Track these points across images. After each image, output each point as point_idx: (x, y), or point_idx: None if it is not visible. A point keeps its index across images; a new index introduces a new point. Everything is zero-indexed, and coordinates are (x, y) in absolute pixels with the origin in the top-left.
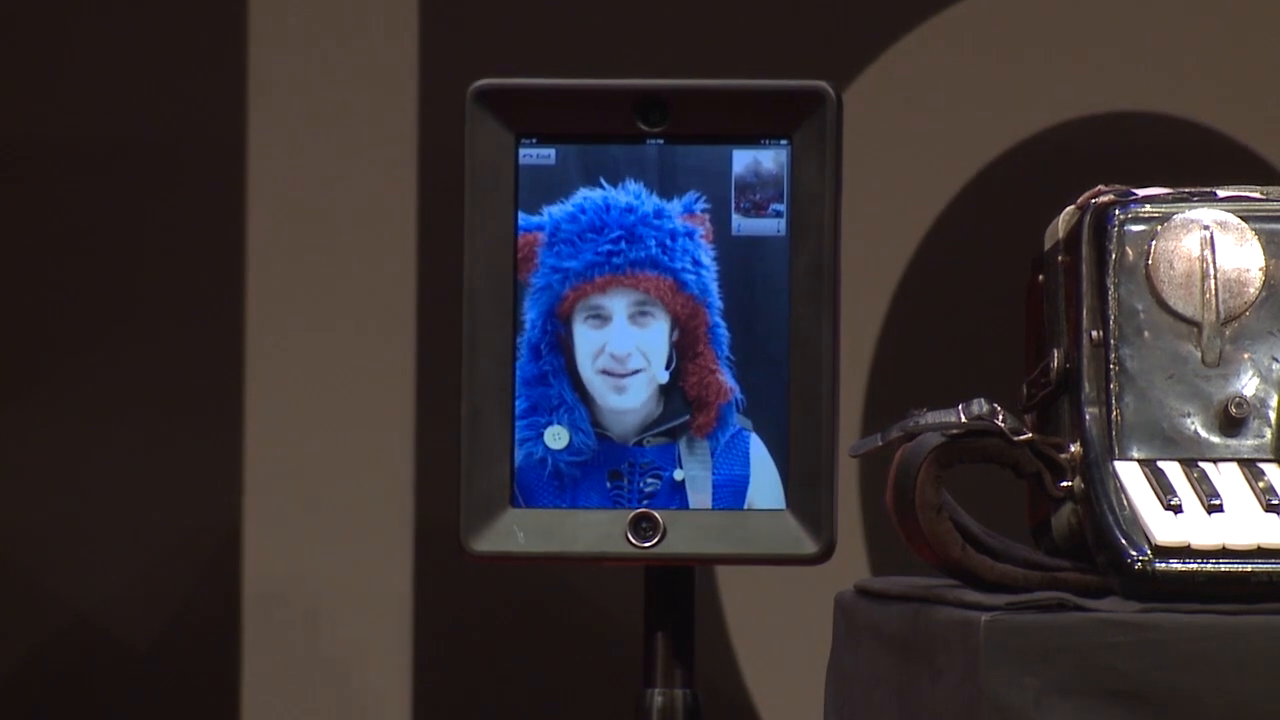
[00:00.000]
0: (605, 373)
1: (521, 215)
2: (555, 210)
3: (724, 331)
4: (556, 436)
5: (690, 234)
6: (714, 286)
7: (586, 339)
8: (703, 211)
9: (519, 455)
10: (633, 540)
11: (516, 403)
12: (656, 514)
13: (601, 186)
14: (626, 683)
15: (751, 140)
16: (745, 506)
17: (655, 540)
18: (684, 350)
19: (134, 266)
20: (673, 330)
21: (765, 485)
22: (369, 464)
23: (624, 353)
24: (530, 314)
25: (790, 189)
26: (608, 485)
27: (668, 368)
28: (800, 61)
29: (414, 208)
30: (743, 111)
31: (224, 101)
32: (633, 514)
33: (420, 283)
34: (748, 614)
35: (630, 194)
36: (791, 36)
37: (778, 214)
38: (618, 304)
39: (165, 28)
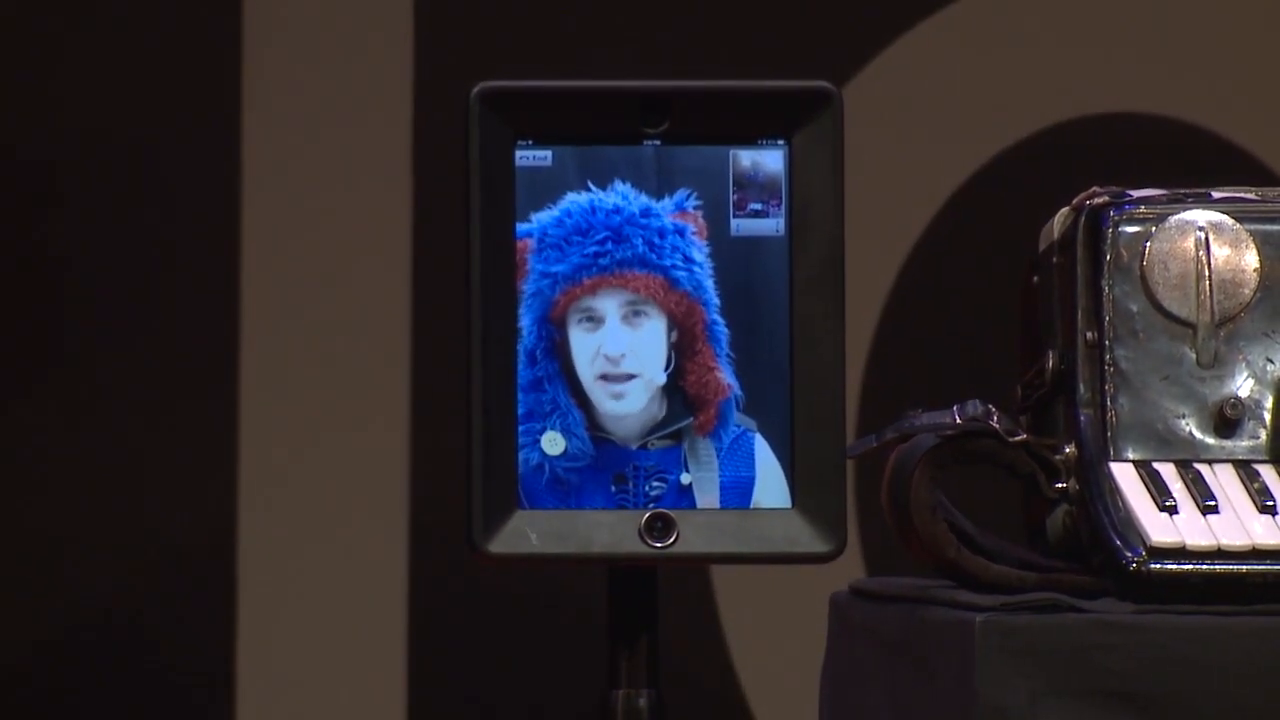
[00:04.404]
0: (603, 378)
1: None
2: (543, 216)
3: (723, 329)
4: (553, 442)
5: (681, 231)
6: (709, 283)
7: (582, 342)
8: (695, 209)
9: (519, 460)
10: (647, 540)
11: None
12: (670, 514)
13: (589, 189)
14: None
15: (748, 141)
16: (751, 506)
17: (670, 541)
18: (683, 349)
19: (129, 268)
20: (670, 330)
21: (771, 485)
22: (363, 465)
23: (618, 353)
24: (525, 320)
25: (790, 189)
26: (612, 489)
27: (666, 369)
28: (793, 62)
29: (409, 210)
30: (745, 112)
31: (218, 103)
32: (647, 514)
33: (415, 284)
34: (743, 615)
35: (618, 195)
36: (784, 37)
37: (776, 214)
38: (609, 305)
39: (159, 29)
